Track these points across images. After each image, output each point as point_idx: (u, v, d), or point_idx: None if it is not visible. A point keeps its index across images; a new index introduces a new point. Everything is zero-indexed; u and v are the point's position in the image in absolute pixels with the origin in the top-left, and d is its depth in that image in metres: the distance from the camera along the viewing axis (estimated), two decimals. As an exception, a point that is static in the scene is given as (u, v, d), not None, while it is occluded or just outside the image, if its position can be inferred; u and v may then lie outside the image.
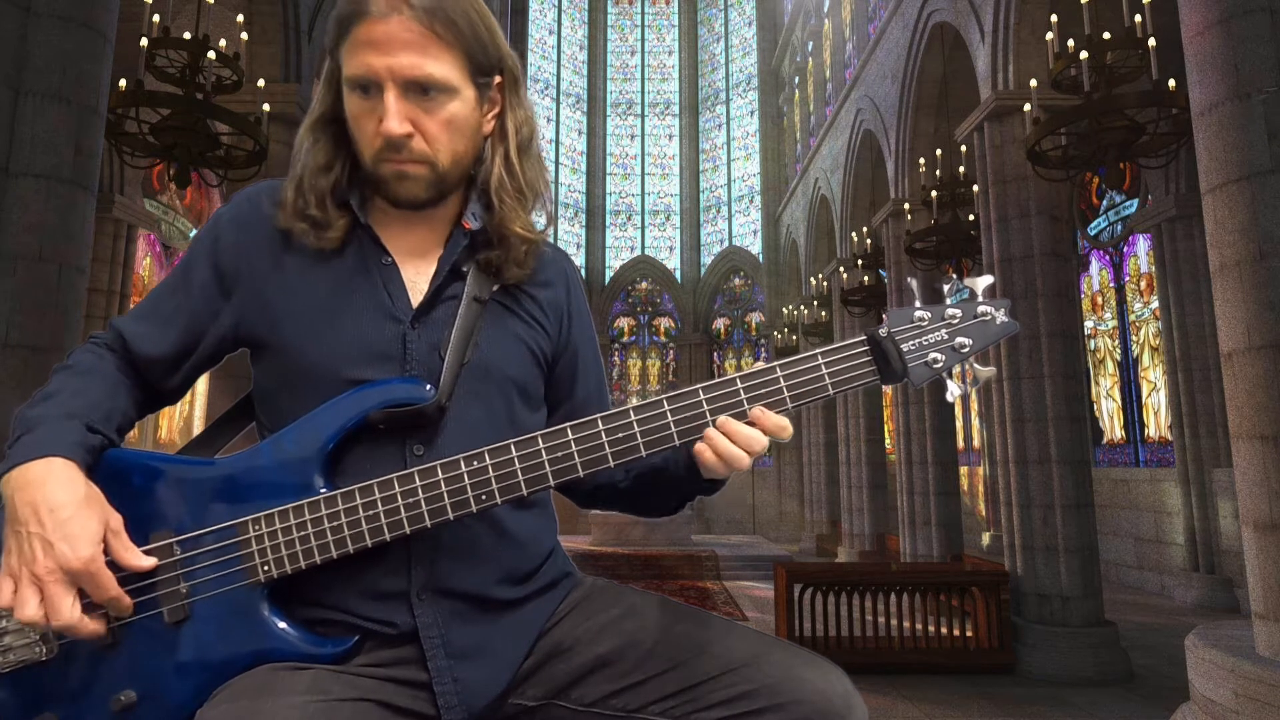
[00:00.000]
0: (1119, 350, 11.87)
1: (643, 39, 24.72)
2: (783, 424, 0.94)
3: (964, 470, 13.43)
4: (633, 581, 1.70)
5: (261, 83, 6.57)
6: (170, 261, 11.35)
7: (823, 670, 0.98)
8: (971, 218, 8.33)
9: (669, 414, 0.94)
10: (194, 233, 8.48)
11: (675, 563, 12.72)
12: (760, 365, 0.96)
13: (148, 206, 10.34)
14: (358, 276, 1.03)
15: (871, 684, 5.95)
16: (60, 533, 0.87)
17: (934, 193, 8.61)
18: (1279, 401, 3.73)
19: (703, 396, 0.95)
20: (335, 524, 0.93)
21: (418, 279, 1.05)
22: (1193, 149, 4.34)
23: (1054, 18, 6.17)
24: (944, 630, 6.68)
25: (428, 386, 0.98)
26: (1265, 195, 3.82)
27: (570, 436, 0.94)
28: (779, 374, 0.95)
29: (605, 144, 23.78)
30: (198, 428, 9.37)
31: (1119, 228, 11.89)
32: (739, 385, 0.95)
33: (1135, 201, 11.44)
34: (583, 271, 21.22)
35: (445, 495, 0.93)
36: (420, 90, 0.97)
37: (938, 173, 8.86)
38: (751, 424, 0.94)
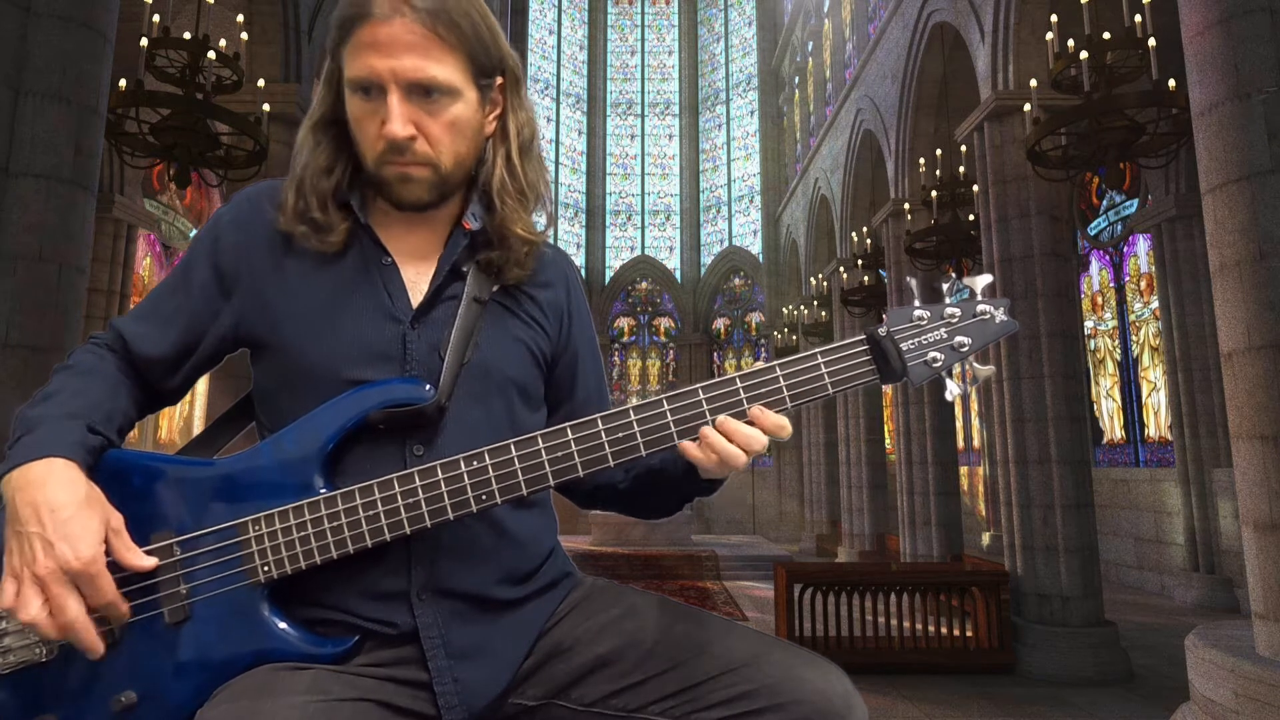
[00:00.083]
0: (1119, 350, 11.87)
1: (643, 39, 24.72)
2: (782, 423, 0.94)
3: (964, 470, 13.43)
4: (633, 581, 1.70)
5: (261, 83, 6.57)
6: (170, 261, 11.35)
7: (823, 670, 0.98)
8: (971, 218, 8.33)
9: (669, 414, 0.94)
10: (194, 233, 8.48)
11: (675, 563, 12.72)
12: (760, 365, 0.96)
13: (148, 206, 10.34)
14: (358, 277, 1.03)
15: (871, 684, 5.95)
16: (61, 533, 0.87)
17: (934, 193, 8.61)
18: (1279, 401, 3.73)
19: (702, 396, 0.95)
20: (335, 524, 0.93)
21: (418, 279, 1.05)
22: (1193, 149, 4.34)
23: (1054, 18, 6.17)
24: (944, 630, 6.68)
25: (427, 387, 0.98)
26: (1265, 195, 3.82)
27: (570, 436, 0.94)
28: (778, 373, 0.95)
29: (605, 144, 23.78)
30: (198, 428, 9.37)
31: (1119, 228, 11.89)
32: (739, 385, 0.95)
33: (1135, 201, 11.44)
34: (583, 271, 21.24)
35: (445, 495, 0.94)
36: (423, 92, 0.97)
37: (938, 173, 8.86)
38: (750, 423, 0.94)
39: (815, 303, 15.16)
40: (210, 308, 1.05)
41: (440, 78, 0.97)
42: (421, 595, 0.97)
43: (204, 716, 0.87)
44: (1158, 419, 11.02)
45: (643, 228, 23.41)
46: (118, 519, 0.92)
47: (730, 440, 0.92)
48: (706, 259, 22.82)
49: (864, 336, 0.96)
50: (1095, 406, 12.10)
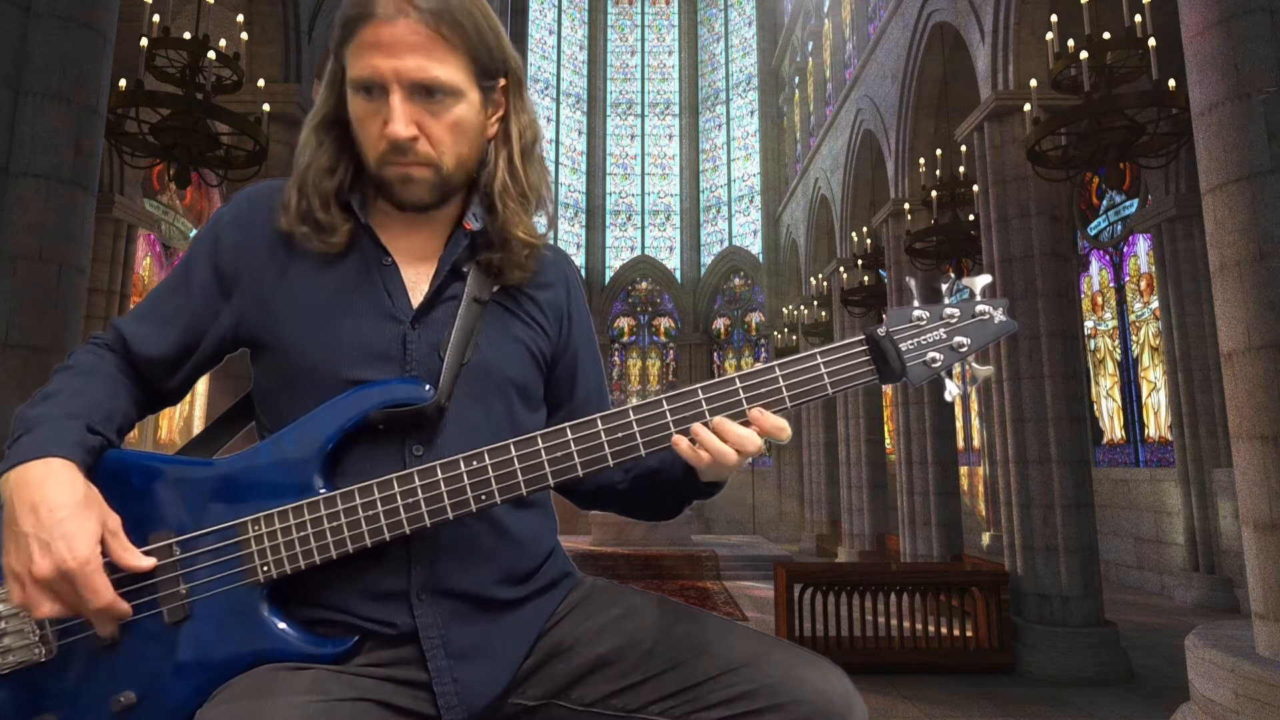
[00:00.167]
0: (1119, 350, 11.87)
1: (643, 39, 24.72)
2: (781, 424, 0.94)
3: (964, 470, 13.43)
4: (633, 581, 1.70)
5: (261, 83, 6.57)
6: (170, 261, 11.35)
7: (823, 670, 0.98)
8: (971, 218, 8.33)
9: (668, 414, 0.94)
10: (194, 233, 8.48)
11: (675, 563, 12.72)
12: (759, 365, 0.96)
13: (148, 206, 10.34)
14: (358, 277, 1.03)
15: (871, 684, 5.95)
16: (57, 533, 0.87)
17: (934, 193, 8.61)
18: (1279, 401, 3.73)
19: (702, 396, 0.95)
20: (335, 524, 0.94)
21: (418, 280, 1.05)
22: (1193, 149, 4.34)
23: (1054, 18, 6.17)
24: (944, 630, 6.68)
25: (427, 387, 0.98)
26: (1265, 195, 3.82)
27: (570, 436, 0.94)
28: (778, 374, 0.95)
29: (605, 144, 23.78)
30: (198, 428, 9.37)
31: (1119, 228, 11.89)
32: (738, 385, 0.95)
33: (1135, 201, 11.44)
34: (583, 271, 21.24)
35: (445, 495, 0.94)
36: (426, 93, 0.97)
37: (938, 173, 8.86)
38: (750, 424, 0.94)
39: (815, 303, 15.16)
40: (210, 308, 1.05)
41: (443, 78, 0.97)
42: (421, 595, 0.97)
43: (204, 716, 0.87)
44: (1158, 419, 11.02)
45: (643, 228, 23.41)
46: (115, 520, 0.92)
47: (725, 440, 0.92)
48: (706, 259, 22.82)
49: (863, 337, 0.96)
50: (1095, 406, 12.10)
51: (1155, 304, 10.82)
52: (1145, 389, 11.30)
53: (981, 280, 0.98)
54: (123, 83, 5.48)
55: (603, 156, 23.65)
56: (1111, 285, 12.06)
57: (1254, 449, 3.82)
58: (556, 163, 22.54)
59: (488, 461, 0.94)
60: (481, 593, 1.00)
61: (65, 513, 0.88)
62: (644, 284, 22.82)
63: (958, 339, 0.96)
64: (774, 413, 0.94)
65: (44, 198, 3.85)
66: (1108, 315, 12.14)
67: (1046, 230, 7.09)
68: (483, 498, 0.94)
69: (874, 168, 12.89)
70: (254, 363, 1.06)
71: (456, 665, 0.98)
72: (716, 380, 0.95)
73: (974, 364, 0.97)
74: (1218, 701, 3.75)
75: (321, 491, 0.95)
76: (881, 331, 0.96)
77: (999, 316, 0.97)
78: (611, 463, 0.94)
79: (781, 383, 0.95)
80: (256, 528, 0.94)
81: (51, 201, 3.88)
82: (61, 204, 3.91)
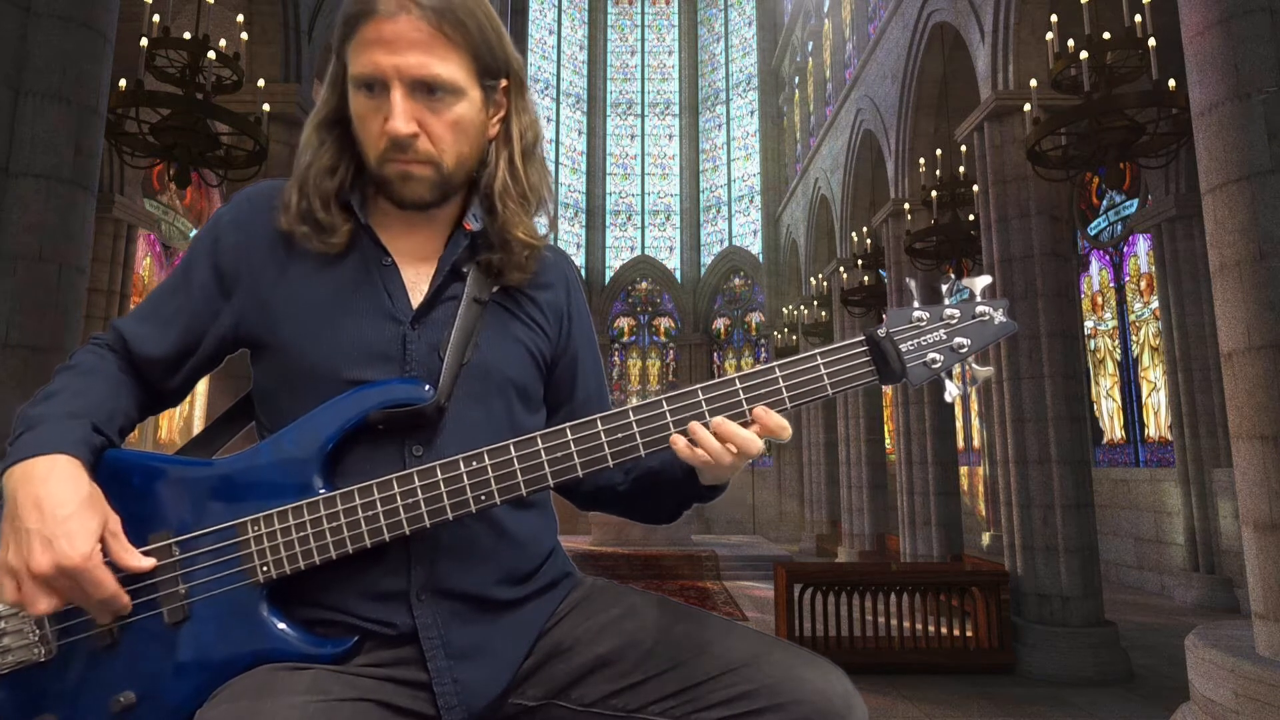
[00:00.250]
0: (1119, 350, 11.87)
1: (643, 39, 24.72)
2: (782, 424, 0.94)
3: (964, 470, 13.43)
4: (633, 581, 1.70)
5: (261, 83, 6.57)
6: (170, 261, 11.35)
7: (823, 670, 0.98)
8: (971, 218, 8.33)
9: (668, 414, 0.94)
10: (194, 233, 8.48)
11: (675, 563, 12.72)
12: (759, 366, 0.96)
13: (148, 206, 10.34)
14: (358, 277, 1.03)
15: (871, 684, 5.95)
16: (60, 530, 0.87)
17: (934, 193, 8.61)
18: (1279, 401, 3.73)
19: (702, 397, 0.95)
20: (334, 524, 0.93)
21: (418, 280, 1.05)
22: (1193, 149, 4.34)
23: (1054, 18, 6.17)
24: (944, 630, 6.68)
25: (427, 387, 0.98)
26: (1265, 195, 3.82)
27: (569, 437, 0.94)
28: (778, 374, 0.95)
29: (605, 144, 23.78)
30: (198, 428, 9.37)
31: (1119, 228, 11.89)
32: (738, 385, 0.95)
33: (1135, 201, 11.44)
34: (583, 271, 21.25)
35: (444, 496, 0.94)
36: (427, 90, 0.97)
37: (938, 173, 8.86)
38: (752, 423, 0.94)
39: (815, 303, 15.16)
40: (210, 308, 1.05)
41: (444, 76, 0.97)
42: (421, 596, 0.97)
43: (203, 717, 0.87)
44: (1158, 419, 11.02)
45: (643, 228, 23.41)
46: (115, 521, 0.92)
47: (723, 440, 0.92)
48: (706, 259, 22.82)
49: (864, 338, 0.96)
50: (1095, 406, 12.10)
51: (1155, 304, 10.82)
52: (1145, 389, 11.30)
53: (982, 281, 0.98)
54: (123, 83, 5.48)
55: (603, 156, 23.65)
56: (1111, 285, 12.06)
57: (1254, 449, 3.82)
58: (556, 163, 22.54)
59: (487, 462, 0.94)
60: (481, 593, 1.00)
61: (69, 510, 0.88)
62: (644, 284, 22.81)
63: (958, 340, 0.96)
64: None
65: (44, 198, 3.85)
66: (1108, 315, 12.14)
67: (1046, 230, 7.09)
68: (482, 498, 0.94)
69: (874, 168, 12.89)
70: (254, 363, 1.06)
71: (456, 665, 0.98)
72: (716, 381, 0.95)
73: (974, 365, 0.97)
74: (1218, 701, 3.75)
75: (321, 492, 0.95)
76: (882, 332, 0.96)
77: (999, 317, 0.97)
78: (611, 463, 0.94)
79: (781, 383, 0.95)
80: (256, 528, 0.94)
81: (51, 201, 3.88)
82: (61, 204, 3.91)
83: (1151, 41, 5.52)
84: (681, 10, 24.65)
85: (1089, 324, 12.42)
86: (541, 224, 1.11)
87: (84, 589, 0.88)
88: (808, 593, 6.66)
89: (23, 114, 3.84)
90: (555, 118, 23.00)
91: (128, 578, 0.92)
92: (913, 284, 1.04)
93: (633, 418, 0.95)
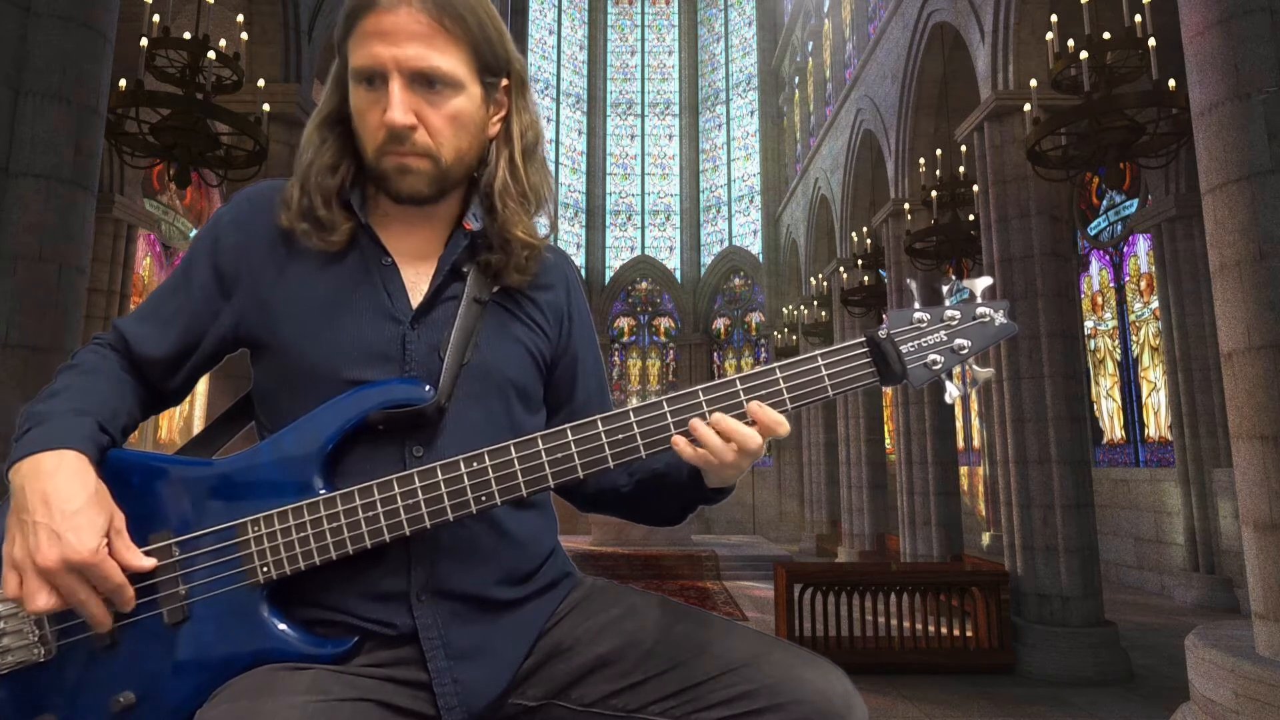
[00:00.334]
0: (1119, 350, 11.87)
1: (643, 39, 24.72)
2: (779, 419, 0.94)
3: (964, 470, 13.43)
4: (633, 581, 1.70)
5: (261, 83, 6.57)
6: (170, 261, 11.35)
7: (823, 670, 0.98)
8: (971, 218, 8.33)
9: (669, 415, 0.94)
10: (194, 233, 8.48)
11: (675, 563, 12.72)
12: (760, 367, 0.96)
13: (148, 206, 10.34)
14: (358, 277, 1.03)
15: (871, 684, 5.95)
16: (68, 525, 0.87)
17: (934, 193, 8.61)
18: (1279, 401, 3.73)
19: (703, 398, 0.95)
20: (335, 525, 0.93)
21: (418, 280, 1.05)
22: (1193, 149, 4.34)
23: (1054, 18, 6.17)
24: (944, 630, 6.68)
25: (427, 387, 0.98)
26: (1265, 195, 3.82)
27: (570, 437, 0.94)
28: (778, 375, 0.95)
29: (605, 144, 23.78)
30: (198, 428, 9.36)
31: (1119, 228, 11.89)
32: (739, 386, 0.95)
33: (1135, 201, 11.44)
34: (583, 271, 21.24)
35: (445, 496, 0.93)
36: (426, 83, 0.97)
37: (938, 173, 8.86)
38: (750, 421, 0.94)
39: (815, 303, 15.16)
40: (210, 308, 1.05)
41: (443, 68, 0.97)
42: (421, 596, 0.97)
43: (203, 717, 0.87)
44: (1158, 419, 11.02)
45: (643, 228, 23.41)
46: (120, 518, 0.92)
47: (724, 436, 0.92)
48: (706, 259, 22.82)
49: (864, 339, 0.96)
50: (1095, 406, 12.11)
51: (1155, 304, 10.82)
52: (1145, 389, 11.30)
53: (982, 282, 0.98)
54: (123, 83, 5.48)
55: (603, 156, 23.65)
56: (1111, 285, 12.06)
57: (1254, 449, 3.82)
58: (557, 163, 22.54)
59: (488, 463, 0.94)
60: (481, 593, 1.00)
61: (77, 505, 0.88)
62: (644, 284, 22.82)
63: (958, 341, 0.96)
64: None
65: (44, 198, 3.85)
66: (1108, 315, 12.14)
67: (1046, 230, 7.09)
68: (483, 499, 0.94)
69: (874, 168, 12.89)
70: (254, 363, 1.06)
71: (456, 665, 0.98)
72: (717, 381, 0.95)
73: (974, 366, 0.97)
74: (1218, 701, 3.75)
75: (321, 492, 0.95)
76: (882, 333, 0.96)
77: (1000, 319, 0.97)
78: (612, 464, 0.94)
79: (782, 384, 0.95)
80: (256, 528, 0.94)
81: (51, 201, 3.88)
82: (61, 204, 3.91)
83: (1151, 41, 5.52)
84: (681, 10, 24.65)
85: (1089, 324, 12.42)
86: (542, 224, 1.11)
87: (91, 582, 0.88)
88: (808, 593, 6.66)
89: (23, 114, 3.84)
90: (555, 118, 23.00)
91: (129, 577, 0.91)
92: (913, 284, 1.04)
93: (633, 418, 0.94)
